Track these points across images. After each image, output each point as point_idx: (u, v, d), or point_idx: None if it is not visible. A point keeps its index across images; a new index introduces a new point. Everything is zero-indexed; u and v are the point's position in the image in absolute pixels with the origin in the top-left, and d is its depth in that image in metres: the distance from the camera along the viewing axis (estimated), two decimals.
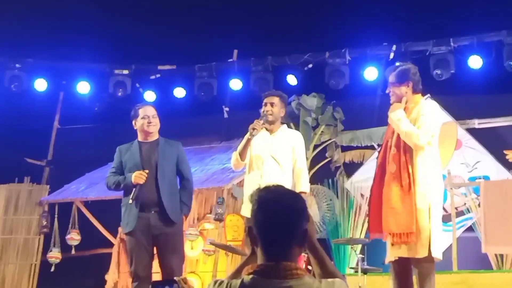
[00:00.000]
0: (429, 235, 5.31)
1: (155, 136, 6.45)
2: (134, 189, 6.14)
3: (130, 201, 6.14)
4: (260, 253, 2.73)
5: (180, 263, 6.42)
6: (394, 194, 5.39)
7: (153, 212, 6.21)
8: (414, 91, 5.63)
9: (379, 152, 5.84)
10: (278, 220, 2.69)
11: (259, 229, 2.72)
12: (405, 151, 5.42)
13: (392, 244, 5.45)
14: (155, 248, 6.35)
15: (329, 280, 2.76)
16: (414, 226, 5.29)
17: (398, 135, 5.47)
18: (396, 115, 5.45)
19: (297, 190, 6.14)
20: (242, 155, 6.37)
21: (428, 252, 5.30)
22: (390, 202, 5.41)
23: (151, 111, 6.43)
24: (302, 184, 6.32)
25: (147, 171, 6.19)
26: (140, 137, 6.45)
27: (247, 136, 6.33)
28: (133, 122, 6.45)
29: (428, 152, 5.45)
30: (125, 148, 6.47)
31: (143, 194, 6.18)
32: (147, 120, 6.35)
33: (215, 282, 2.74)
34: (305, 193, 6.32)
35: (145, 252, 6.22)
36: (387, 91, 5.72)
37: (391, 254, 5.52)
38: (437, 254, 5.36)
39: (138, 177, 6.14)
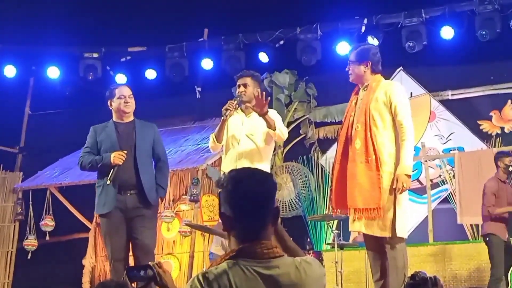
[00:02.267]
0: (393, 216, 5.37)
1: (131, 117, 6.39)
2: (112, 170, 6.08)
3: (108, 181, 6.08)
4: (235, 237, 2.72)
5: (154, 243, 6.35)
6: (359, 170, 5.44)
7: (129, 194, 6.14)
8: (373, 71, 5.68)
9: (340, 129, 5.87)
10: (254, 197, 2.70)
11: (235, 209, 2.70)
12: (371, 127, 5.47)
13: (354, 220, 5.52)
14: (129, 229, 6.25)
15: (303, 258, 2.78)
16: (381, 201, 5.33)
17: (363, 112, 5.52)
18: (409, 167, 5.48)
19: (277, 128, 6.14)
20: (218, 137, 6.29)
21: (392, 232, 5.35)
22: (356, 178, 5.45)
23: (127, 91, 6.37)
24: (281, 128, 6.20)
25: (125, 152, 6.13)
26: (115, 117, 6.37)
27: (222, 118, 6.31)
28: (109, 102, 6.37)
29: (395, 131, 5.53)
30: (100, 128, 6.38)
31: (121, 175, 6.11)
32: (123, 100, 6.28)
33: (201, 276, 2.66)
34: (283, 134, 6.26)
35: (121, 234, 6.15)
36: (346, 69, 5.76)
37: (351, 229, 5.65)
38: (402, 234, 5.41)
39: (117, 157, 6.08)
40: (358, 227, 5.48)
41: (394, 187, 5.36)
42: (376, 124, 5.46)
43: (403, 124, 5.45)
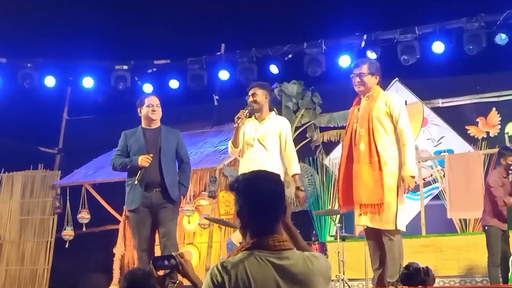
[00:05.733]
0: (395, 211, 5.36)
1: (158, 123, 6.42)
2: (140, 171, 6.12)
3: (136, 181, 6.12)
4: (250, 231, 2.72)
5: (175, 230, 6.35)
6: (364, 170, 5.43)
7: (154, 191, 6.17)
8: (378, 82, 5.72)
9: (345, 135, 5.88)
10: (271, 196, 2.72)
11: (254, 207, 2.71)
12: (373, 132, 5.47)
13: (360, 215, 5.47)
14: (155, 222, 6.28)
15: (312, 253, 2.79)
16: (383, 198, 5.33)
17: (366, 119, 5.52)
18: (413, 169, 5.47)
19: (290, 174, 6.13)
20: (234, 143, 6.29)
21: (394, 225, 5.34)
22: (361, 177, 5.44)
23: (155, 100, 6.43)
24: (293, 167, 6.18)
25: (151, 155, 6.16)
26: (144, 124, 6.40)
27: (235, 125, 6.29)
28: (139, 109, 6.42)
29: (396, 136, 5.51)
30: (130, 133, 6.42)
31: (147, 175, 6.15)
32: (151, 108, 6.33)
33: (220, 265, 2.66)
34: (298, 174, 6.20)
35: (147, 227, 6.20)
36: (356, 81, 5.68)
37: (357, 223, 5.60)
38: (402, 227, 5.40)
39: (144, 160, 6.12)
40: (363, 221, 5.45)
41: (400, 187, 5.35)
42: (378, 129, 5.45)
43: (404, 131, 5.45)
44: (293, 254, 2.69)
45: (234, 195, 2.79)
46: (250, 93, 6.32)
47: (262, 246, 2.66)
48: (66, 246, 11.39)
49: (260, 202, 2.71)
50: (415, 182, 9.51)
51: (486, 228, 7.80)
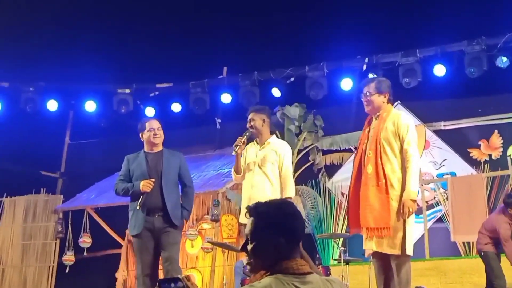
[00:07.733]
0: (402, 235, 5.28)
1: (160, 147, 6.42)
2: (141, 196, 6.12)
3: (138, 207, 6.13)
4: (272, 256, 2.71)
5: (178, 255, 6.36)
6: (371, 192, 5.34)
7: (157, 216, 6.17)
8: (388, 101, 5.57)
9: (355, 155, 5.77)
10: (302, 223, 2.79)
11: (284, 231, 2.73)
12: (381, 154, 5.37)
13: (366, 238, 5.42)
14: (157, 246, 6.28)
15: (326, 277, 2.82)
16: (390, 222, 5.25)
17: (374, 140, 5.44)
18: (414, 193, 5.34)
19: (284, 196, 6.07)
20: (236, 170, 6.33)
21: (401, 250, 5.26)
22: (368, 200, 5.35)
23: (156, 124, 6.42)
24: (286, 190, 6.17)
25: (153, 179, 6.17)
26: (146, 148, 6.41)
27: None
28: (140, 134, 6.42)
29: (402, 158, 5.40)
30: (132, 157, 6.42)
31: (149, 200, 6.15)
32: (153, 132, 6.33)
33: None
34: (290, 198, 6.13)
35: (150, 252, 6.20)
36: (364, 100, 5.58)
37: (365, 247, 5.51)
38: (410, 252, 5.32)
39: (145, 185, 6.12)
40: (370, 246, 5.38)
41: (401, 211, 5.26)
42: (385, 151, 5.35)
43: (408, 152, 5.31)
44: (314, 278, 2.70)
45: (252, 221, 2.78)
46: (248, 118, 6.34)
47: (286, 270, 2.66)
48: (67, 271, 11.41)
49: (290, 226, 2.74)
50: (418, 205, 9.54)
51: (483, 253, 7.72)
